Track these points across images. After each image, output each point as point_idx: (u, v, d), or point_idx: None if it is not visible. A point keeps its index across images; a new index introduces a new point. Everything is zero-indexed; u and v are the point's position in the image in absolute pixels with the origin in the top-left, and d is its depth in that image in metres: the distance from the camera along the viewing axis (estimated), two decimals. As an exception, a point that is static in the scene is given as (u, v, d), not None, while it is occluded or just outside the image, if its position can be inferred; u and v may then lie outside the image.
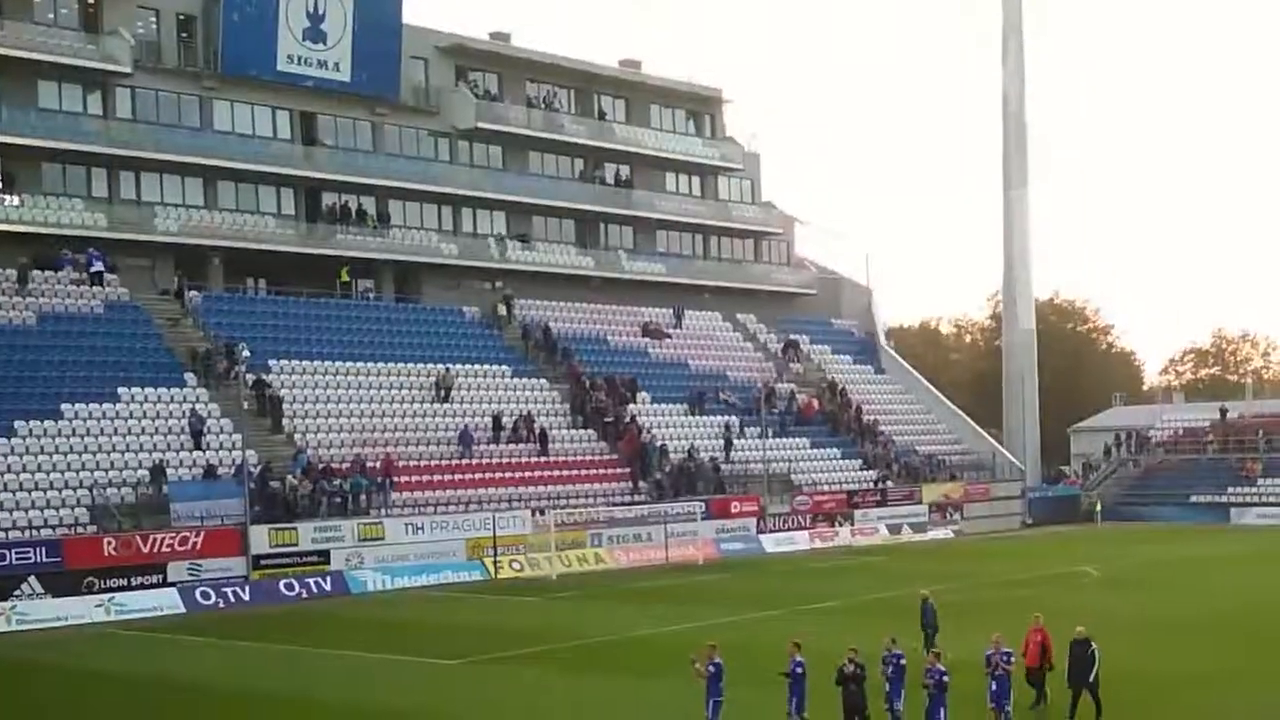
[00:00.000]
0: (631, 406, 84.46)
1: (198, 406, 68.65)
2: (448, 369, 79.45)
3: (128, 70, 75.14)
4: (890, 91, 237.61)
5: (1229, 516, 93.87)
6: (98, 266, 72.96)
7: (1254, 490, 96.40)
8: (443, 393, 78.17)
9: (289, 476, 66.08)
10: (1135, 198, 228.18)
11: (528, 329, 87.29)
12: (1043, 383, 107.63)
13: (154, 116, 77.30)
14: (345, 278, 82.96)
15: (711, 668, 30.01)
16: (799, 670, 30.18)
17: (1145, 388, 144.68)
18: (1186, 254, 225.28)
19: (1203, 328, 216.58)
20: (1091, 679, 31.05)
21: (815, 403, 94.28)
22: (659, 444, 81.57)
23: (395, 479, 69.74)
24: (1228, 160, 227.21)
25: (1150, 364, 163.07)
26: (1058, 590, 58.04)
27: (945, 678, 29.19)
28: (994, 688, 30.03)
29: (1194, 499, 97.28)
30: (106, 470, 63.10)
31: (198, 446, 66.16)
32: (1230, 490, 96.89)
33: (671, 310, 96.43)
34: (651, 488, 78.44)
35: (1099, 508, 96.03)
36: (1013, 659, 30.40)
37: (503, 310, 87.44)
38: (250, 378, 69.69)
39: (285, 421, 71.10)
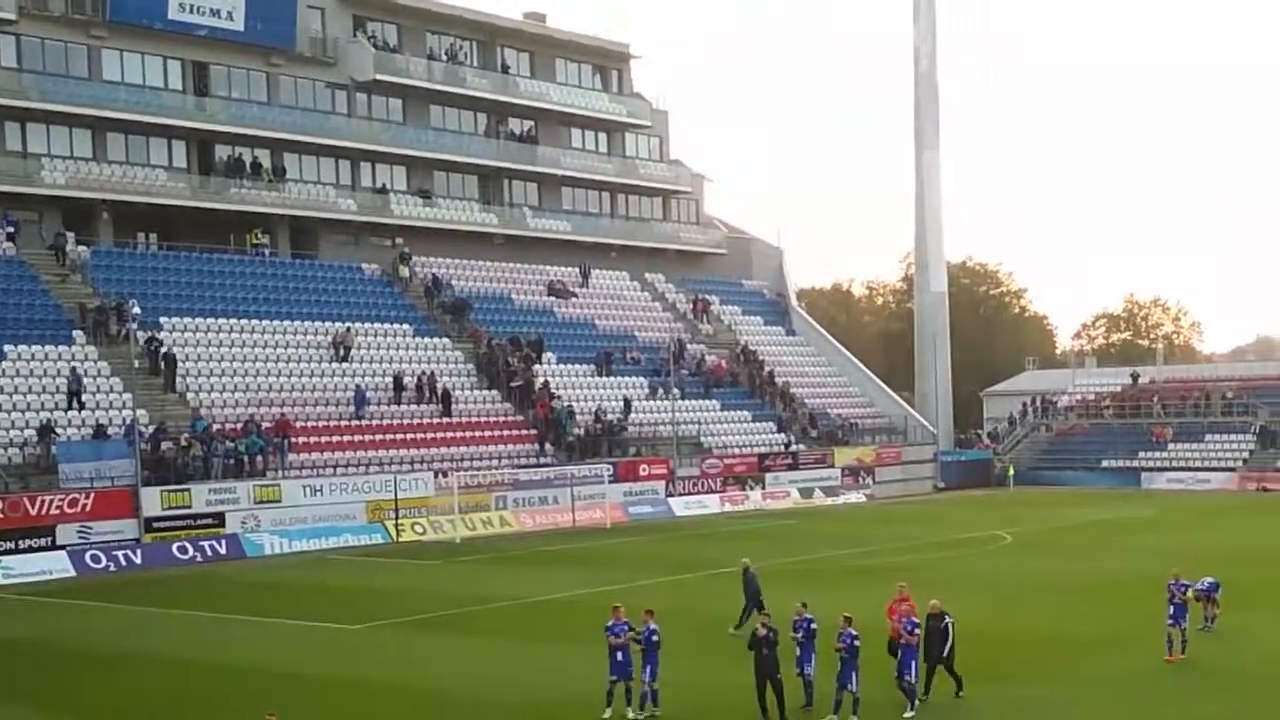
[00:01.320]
0: (538, 367, 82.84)
1: (87, 365, 67.11)
2: (348, 328, 77.74)
3: (12, 17, 72.83)
4: (802, 49, 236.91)
5: (1140, 481, 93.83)
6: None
7: (1164, 455, 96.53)
8: (342, 352, 76.39)
9: (182, 437, 64.16)
10: (1049, 161, 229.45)
11: (429, 287, 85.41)
12: (955, 346, 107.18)
13: (40, 65, 74.92)
14: (257, 240, 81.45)
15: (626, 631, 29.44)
16: (654, 638, 29.41)
17: (1058, 352, 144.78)
18: (1099, 219, 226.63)
19: (1115, 293, 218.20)
20: (946, 653, 30.31)
21: (724, 364, 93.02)
22: (566, 405, 79.95)
23: (292, 439, 68.09)
24: (1141, 124, 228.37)
25: (1063, 329, 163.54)
26: (971, 554, 57.94)
27: (856, 642, 28.66)
28: (900, 655, 29.33)
29: (1105, 463, 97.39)
30: (-8, 429, 61.42)
31: (78, 406, 64.34)
32: (1141, 455, 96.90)
33: (578, 269, 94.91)
34: (560, 450, 76.94)
35: (1011, 472, 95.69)
36: (917, 629, 29.47)
37: (405, 271, 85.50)
38: (141, 335, 67.74)
39: (178, 380, 69.24)
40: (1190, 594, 34.00)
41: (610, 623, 29.60)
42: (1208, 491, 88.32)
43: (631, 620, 29.78)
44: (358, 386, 73.78)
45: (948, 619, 30.23)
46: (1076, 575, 50.01)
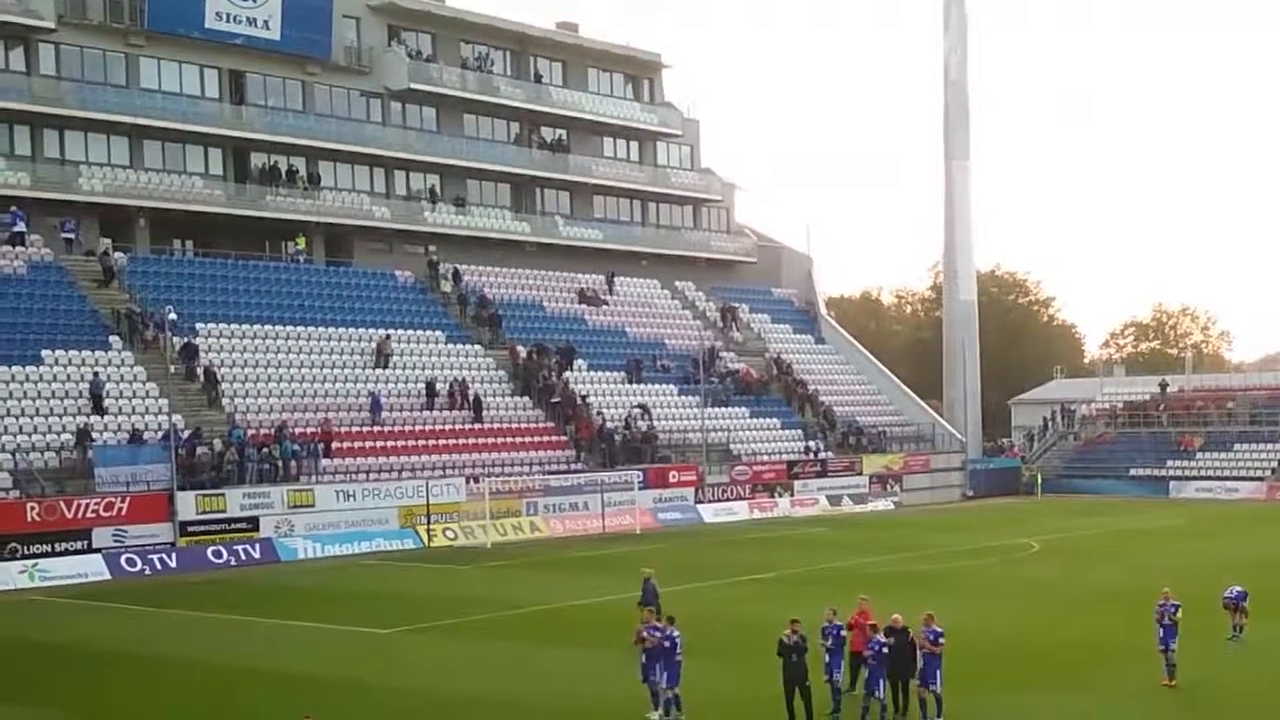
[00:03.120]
0: (568, 374, 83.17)
1: (123, 370, 67.42)
2: (387, 335, 78.25)
3: (51, 26, 73.42)
4: (833, 59, 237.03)
5: (1168, 490, 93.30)
6: (19, 227, 71.52)
7: (1193, 463, 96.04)
8: (382, 359, 76.99)
9: (216, 441, 64.67)
10: (1078, 170, 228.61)
11: (463, 295, 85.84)
12: (984, 354, 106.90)
13: (79, 74, 75.49)
14: (301, 245, 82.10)
15: (659, 635, 29.44)
16: (668, 644, 29.26)
17: (1086, 361, 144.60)
18: (1128, 228, 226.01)
19: (1143, 301, 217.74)
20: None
21: (752, 372, 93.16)
22: (600, 414, 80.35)
23: (331, 445, 68.73)
24: (1169, 133, 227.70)
25: (1091, 337, 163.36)
26: (998, 563, 57.92)
27: (885, 649, 28.70)
28: (921, 665, 29.11)
29: (1134, 472, 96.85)
30: (30, 434, 61.90)
31: (99, 411, 64.56)
32: (1170, 463, 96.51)
33: (604, 277, 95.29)
34: (590, 456, 77.34)
35: (1040, 480, 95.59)
36: (941, 638, 29.14)
37: (447, 286, 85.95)
38: (178, 341, 68.22)
39: (213, 386, 69.60)
40: (1178, 616, 32.57)
41: (644, 625, 29.97)
42: (1236, 501, 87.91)
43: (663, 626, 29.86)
44: (372, 393, 73.99)
45: (911, 635, 29.41)
46: (1104, 584, 49.92)
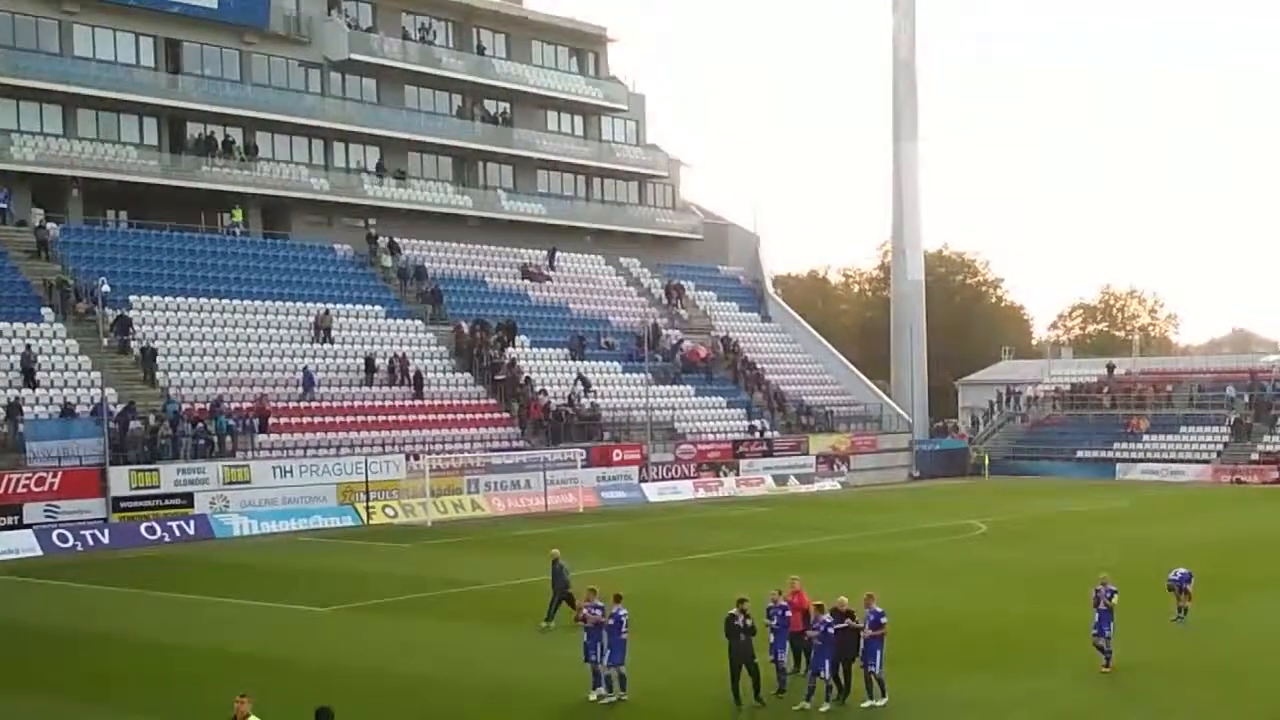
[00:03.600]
0: (510, 350, 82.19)
1: (55, 343, 66.41)
2: (327, 309, 77.42)
3: (-18, -9, 72.23)
4: (781, 36, 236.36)
5: (1115, 472, 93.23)
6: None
7: (1140, 446, 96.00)
8: (323, 334, 76.11)
9: (150, 415, 63.65)
10: (1026, 151, 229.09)
11: (403, 269, 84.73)
12: (931, 335, 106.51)
13: (10, 40, 74.13)
14: (238, 217, 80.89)
15: (599, 613, 29.48)
16: (613, 621, 29.19)
17: (1034, 342, 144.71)
18: (1077, 210, 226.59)
19: (1091, 284, 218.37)
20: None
21: (700, 350, 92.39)
22: (541, 391, 79.40)
23: (267, 420, 67.87)
24: (1119, 116, 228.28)
25: (1039, 319, 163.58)
26: (944, 544, 57.53)
27: (830, 630, 28.36)
28: (862, 648, 28.75)
29: (1081, 454, 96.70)
30: (-42, 408, 60.78)
31: (30, 384, 63.57)
32: (1116, 446, 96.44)
33: (546, 253, 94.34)
34: (534, 434, 76.50)
35: (986, 462, 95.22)
36: (883, 619, 28.73)
37: (386, 260, 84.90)
38: (111, 313, 67.05)
39: (147, 360, 68.46)
40: (1114, 601, 31.70)
41: (585, 604, 29.79)
42: (1182, 483, 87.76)
43: (606, 604, 29.54)
44: (305, 369, 73.02)
45: (853, 619, 28.99)
46: (1050, 565, 49.57)
